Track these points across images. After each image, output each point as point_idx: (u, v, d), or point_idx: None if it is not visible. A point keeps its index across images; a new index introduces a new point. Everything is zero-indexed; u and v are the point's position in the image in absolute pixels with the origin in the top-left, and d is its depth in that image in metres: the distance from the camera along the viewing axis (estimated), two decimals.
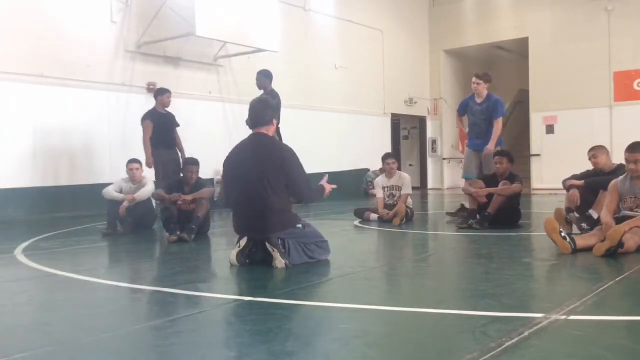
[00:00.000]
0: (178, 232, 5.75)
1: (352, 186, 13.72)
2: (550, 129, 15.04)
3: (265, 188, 4.10)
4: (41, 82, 8.90)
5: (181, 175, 6.63)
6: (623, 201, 4.80)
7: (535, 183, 14.99)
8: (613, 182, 4.92)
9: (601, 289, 3.19)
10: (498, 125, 7.30)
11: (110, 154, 9.55)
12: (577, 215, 5.62)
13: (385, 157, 7.71)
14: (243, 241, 4.21)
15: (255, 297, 3.21)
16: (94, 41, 9.58)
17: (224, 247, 5.45)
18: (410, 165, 17.60)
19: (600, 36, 14.09)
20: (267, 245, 4.09)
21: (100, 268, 4.66)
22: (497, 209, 6.20)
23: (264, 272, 3.95)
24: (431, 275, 4.07)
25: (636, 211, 4.74)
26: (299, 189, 4.26)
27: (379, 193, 7.63)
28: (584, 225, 5.39)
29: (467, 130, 7.79)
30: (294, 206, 4.48)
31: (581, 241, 4.41)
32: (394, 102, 15.96)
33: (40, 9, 8.95)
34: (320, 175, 4.83)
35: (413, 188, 9.09)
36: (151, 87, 10.07)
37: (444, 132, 17.14)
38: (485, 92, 7.40)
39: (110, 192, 6.73)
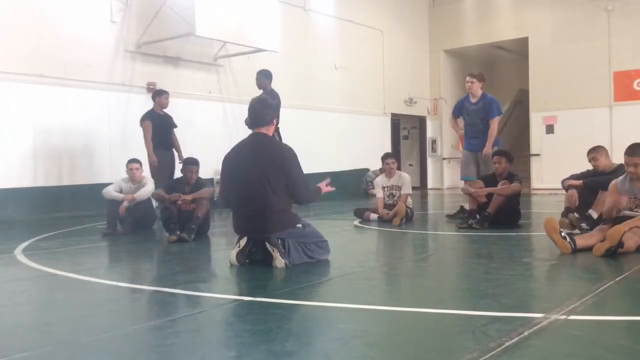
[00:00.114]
0: (178, 232, 5.75)
1: (352, 186, 13.72)
2: (550, 129, 15.04)
3: (265, 188, 4.10)
4: (41, 82, 8.90)
5: (175, 176, 6.64)
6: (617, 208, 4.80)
7: (535, 183, 14.99)
8: (613, 182, 4.92)
9: (601, 289, 3.19)
10: (494, 125, 7.30)
11: (110, 154, 9.55)
12: (576, 215, 5.63)
13: (385, 157, 7.71)
14: (243, 241, 4.21)
15: (255, 297, 3.21)
16: (94, 41, 9.58)
17: (224, 247, 5.45)
18: (410, 165, 17.60)
19: (600, 36, 14.09)
20: (267, 245, 4.09)
21: (100, 268, 4.66)
22: (497, 209, 6.20)
23: (264, 272, 3.95)
24: (431, 275, 4.07)
25: (636, 211, 4.74)
26: (298, 189, 4.25)
27: (379, 193, 7.63)
28: (583, 225, 5.39)
29: (462, 132, 7.78)
30: (294, 206, 4.48)
31: (581, 241, 4.41)
32: (394, 102, 15.96)
33: (40, 9, 8.95)
34: (321, 176, 4.82)
35: (413, 188, 9.09)
36: (151, 87, 10.08)
37: (444, 132, 17.14)
38: (479, 92, 7.41)
39: (110, 192, 6.74)
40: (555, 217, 4.89)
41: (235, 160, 4.32)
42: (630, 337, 2.43)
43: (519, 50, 16.28)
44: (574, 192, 5.71)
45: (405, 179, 7.53)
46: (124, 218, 6.63)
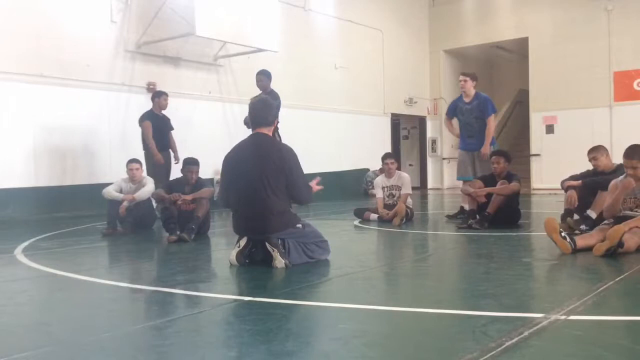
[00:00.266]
0: (178, 232, 5.75)
1: (352, 186, 13.73)
2: (550, 129, 15.03)
3: (266, 188, 4.10)
4: (41, 82, 8.90)
5: (171, 178, 6.65)
6: (623, 201, 4.80)
7: (535, 183, 14.99)
8: (613, 182, 4.93)
9: (601, 289, 3.19)
10: (491, 124, 7.32)
11: (110, 154, 9.55)
12: (575, 218, 5.63)
13: (384, 157, 7.71)
14: (243, 241, 4.21)
15: (255, 297, 3.21)
16: (94, 41, 9.57)
17: (224, 247, 5.45)
18: (410, 165, 17.60)
19: (600, 36, 14.09)
20: (267, 245, 4.09)
21: (100, 268, 4.66)
22: (496, 209, 6.20)
23: (264, 272, 3.95)
24: (431, 275, 4.07)
25: (636, 211, 4.74)
26: (298, 190, 4.25)
27: (378, 193, 7.63)
28: (583, 227, 5.39)
29: (457, 132, 7.79)
30: (293, 206, 4.48)
31: (581, 241, 4.41)
32: (394, 102, 15.96)
33: (40, 9, 8.94)
34: (322, 176, 4.82)
35: (413, 188, 9.10)
36: (151, 87, 10.09)
37: (444, 132, 17.10)
38: (473, 91, 7.44)
39: (110, 192, 6.74)
40: (555, 217, 4.89)
41: (235, 160, 4.32)
42: (630, 337, 2.43)
43: (519, 50, 16.28)
44: (572, 193, 5.71)
45: (405, 179, 7.53)
46: (124, 218, 6.63)
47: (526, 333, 2.34)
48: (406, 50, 16.41)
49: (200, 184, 6.33)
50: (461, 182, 7.64)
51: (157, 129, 8.39)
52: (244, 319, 2.79)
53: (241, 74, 11.54)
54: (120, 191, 6.80)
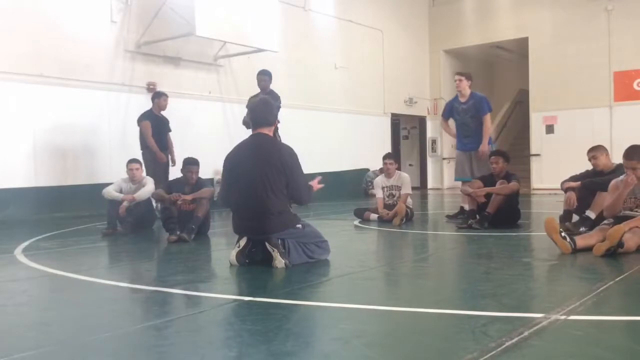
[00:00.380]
0: (178, 232, 5.74)
1: (352, 186, 13.73)
2: (550, 129, 15.03)
3: (266, 189, 4.10)
4: (41, 82, 8.90)
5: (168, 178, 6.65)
6: (623, 201, 4.80)
7: (535, 183, 14.98)
8: (613, 182, 4.93)
9: (601, 289, 3.19)
10: (487, 122, 7.33)
11: (110, 154, 9.55)
12: (574, 220, 5.63)
13: (384, 157, 7.72)
14: (243, 241, 4.21)
15: (255, 297, 3.21)
16: (94, 41, 9.57)
17: (224, 247, 5.45)
18: (410, 165, 17.60)
19: (600, 36, 14.09)
20: (267, 245, 4.10)
21: (100, 268, 4.66)
22: (496, 209, 6.20)
23: (264, 272, 3.95)
24: (431, 275, 4.07)
25: (636, 211, 4.74)
26: (298, 191, 4.25)
27: (378, 193, 7.63)
28: (582, 229, 5.38)
29: (454, 132, 7.80)
30: (293, 206, 4.48)
31: (581, 241, 4.41)
32: (394, 102, 15.96)
33: (40, 9, 8.94)
34: (322, 176, 4.82)
35: (413, 188, 9.10)
36: (151, 87, 10.10)
37: (444, 132, 17.13)
38: (468, 90, 7.46)
39: (110, 192, 6.74)
40: (555, 217, 4.90)
41: (236, 160, 4.33)
42: (630, 337, 2.43)
43: (519, 50, 16.27)
44: (572, 195, 5.71)
45: (405, 179, 7.53)
46: (124, 218, 6.64)
47: (526, 333, 2.34)
48: (406, 50, 16.41)
49: (200, 184, 6.32)
50: (460, 182, 7.66)
51: (156, 129, 8.41)
52: (244, 319, 2.79)
53: (241, 74, 11.55)
54: (120, 191, 6.80)
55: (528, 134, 15.63)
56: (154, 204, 7.07)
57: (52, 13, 9.09)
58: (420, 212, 9.03)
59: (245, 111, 8.55)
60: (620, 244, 4.15)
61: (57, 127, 9.16)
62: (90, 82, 9.46)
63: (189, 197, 6.09)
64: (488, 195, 6.29)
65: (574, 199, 5.67)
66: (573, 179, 5.93)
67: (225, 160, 4.41)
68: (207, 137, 10.77)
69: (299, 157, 4.32)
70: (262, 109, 4.38)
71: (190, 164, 6.35)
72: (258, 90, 8.43)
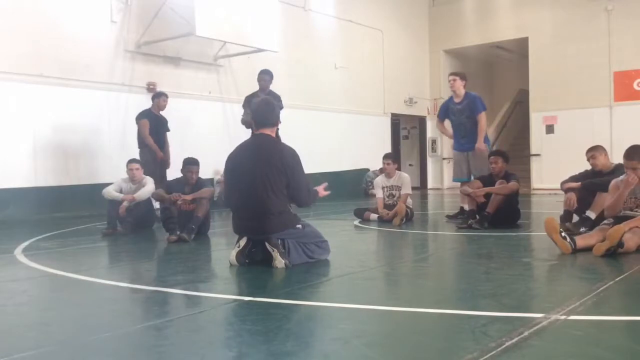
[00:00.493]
0: (178, 232, 5.74)
1: (352, 186, 13.73)
2: (550, 129, 15.04)
3: (266, 189, 4.10)
4: (41, 82, 8.90)
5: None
6: (623, 201, 4.80)
7: (535, 183, 14.99)
8: (613, 182, 4.93)
9: (601, 289, 3.19)
10: (482, 121, 7.35)
11: (110, 154, 9.55)
12: (574, 221, 5.63)
13: (383, 157, 7.73)
14: (243, 241, 4.21)
15: (255, 297, 3.21)
16: (94, 41, 9.58)
17: (224, 247, 5.45)
18: (410, 165, 17.60)
19: (600, 36, 14.09)
20: (267, 245, 4.10)
21: (100, 268, 4.66)
22: (496, 208, 6.20)
23: (264, 272, 3.95)
24: (431, 275, 4.07)
25: (636, 211, 4.74)
26: (299, 192, 4.25)
27: (378, 193, 7.64)
28: (582, 230, 5.38)
29: (451, 133, 7.80)
30: (293, 207, 4.48)
31: (581, 241, 4.41)
32: (394, 102, 15.96)
33: (40, 9, 8.95)
34: (322, 176, 4.83)
35: (413, 188, 9.10)
36: (151, 87, 10.10)
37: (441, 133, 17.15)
38: (462, 90, 7.47)
39: (110, 192, 6.74)
40: (555, 218, 4.90)
41: (237, 161, 4.34)
42: (630, 337, 2.43)
43: (519, 50, 16.28)
44: (572, 196, 5.71)
45: (405, 179, 7.53)
46: (124, 218, 6.64)
47: (526, 333, 2.33)
48: (406, 50, 16.41)
49: (200, 184, 6.32)
50: (459, 183, 7.66)
51: (154, 128, 8.42)
52: (244, 319, 2.79)
53: (241, 74, 11.55)
54: (120, 191, 6.80)
55: (528, 134, 15.63)
56: (154, 204, 7.06)
57: (52, 13, 9.09)
58: (420, 212, 9.03)
59: (242, 111, 8.55)
60: (620, 244, 4.15)
61: (57, 127, 9.16)
62: (90, 82, 9.46)
63: (189, 197, 6.08)
64: (487, 195, 6.29)
65: (574, 199, 5.67)
66: (572, 179, 5.93)
67: (226, 161, 4.43)
68: (207, 137, 10.77)
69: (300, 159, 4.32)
70: (265, 109, 4.39)
71: (190, 164, 6.34)
72: (256, 90, 8.41)
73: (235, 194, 4.28)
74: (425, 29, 17.15)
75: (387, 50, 15.56)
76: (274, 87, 8.46)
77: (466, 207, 6.70)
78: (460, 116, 7.46)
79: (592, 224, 5.30)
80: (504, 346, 2.17)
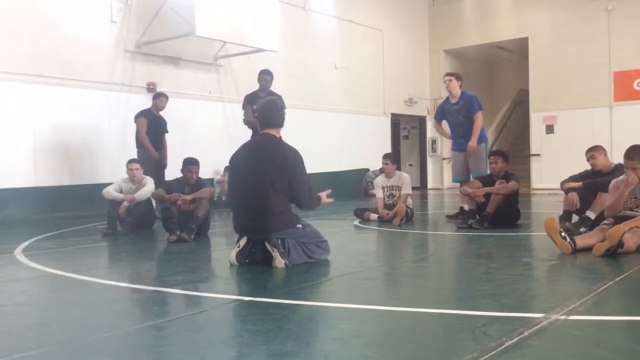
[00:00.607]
0: (178, 232, 5.74)
1: (352, 186, 13.72)
2: (550, 129, 15.03)
3: (267, 188, 4.10)
4: (41, 81, 8.90)
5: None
6: (624, 201, 4.80)
7: (535, 183, 14.98)
8: (613, 182, 4.93)
9: (601, 289, 3.19)
10: (478, 120, 7.35)
11: (110, 154, 9.55)
12: (573, 221, 5.63)
13: (382, 157, 7.73)
14: (243, 241, 4.21)
15: (255, 297, 3.21)
16: (94, 41, 9.58)
17: (224, 247, 5.45)
18: (410, 165, 17.60)
19: (600, 36, 14.09)
20: (267, 245, 4.10)
21: (100, 268, 4.66)
22: (496, 208, 6.20)
23: (264, 272, 3.95)
24: (431, 275, 4.07)
25: (636, 211, 4.74)
26: (300, 194, 4.25)
27: (378, 193, 7.64)
28: (582, 230, 5.38)
29: (449, 133, 7.81)
30: (294, 207, 4.48)
31: (581, 241, 4.41)
32: (394, 102, 15.96)
33: (40, 9, 8.95)
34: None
35: (413, 188, 9.09)
36: (151, 87, 10.11)
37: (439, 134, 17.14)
38: (458, 91, 7.48)
39: (110, 192, 6.74)
40: (555, 218, 4.89)
41: (241, 161, 4.35)
42: (630, 337, 2.43)
43: (519, 50, 16.27)
44: (574, 196, 5.70)
45: (405, 179, 7.54)
46: (124, 218, 6.63)
47: (526, 333, 2.34)
48: (406, 50, 16.41)
49: (200, 184, 6.32)
50: (459, 183, 7.67)
51: (153, 128, 8.43)
52: (244, 319, 2.79)
53: (241, 74, 11.55)
54: (121, 191, 6.80)
55: (528, 134, 15.63)
56: (154, 204, 7.06)
57: (52, 13, 9.09)
58: (420, 212, 9.03)
59: (242, 111, 8.54)
60: (620, 244, 4.15)
61: (57, 127, 9.16)
62: (90, 82, 9.46)
63: (189, 197, 6.08)
64: (487, 195, 6.29)
65: (576, 199, 5.66)
66: (572, 178, 5.93)
67: (230, 161, 4.45)
68: (207, 137, 10.77)
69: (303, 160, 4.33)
70: (271, 109, 4.40)
71: (190, 164, 6.34)
72: (256, 89, 8.39)
73: (237, 193, 4.29)
74: (425, 29, 17.15)
75: (387, 50, 15.56)
76: (274, 87, 8.45)
77: (466, 207, 6.70)
78: (457, 116, 7.47)
79: (592, 224, 5.30)
80: (504, 346, 2.17)
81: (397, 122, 17.10)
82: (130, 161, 6.98)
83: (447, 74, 7.64)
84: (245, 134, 7.95)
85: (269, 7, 10.79)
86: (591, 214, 5.48)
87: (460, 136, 7.51)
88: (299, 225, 4.30)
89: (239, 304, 3.13)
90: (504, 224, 6.23)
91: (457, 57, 17.36)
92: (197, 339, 2.42)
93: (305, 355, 2.20)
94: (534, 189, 14.67)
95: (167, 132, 8.84)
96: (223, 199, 10.40)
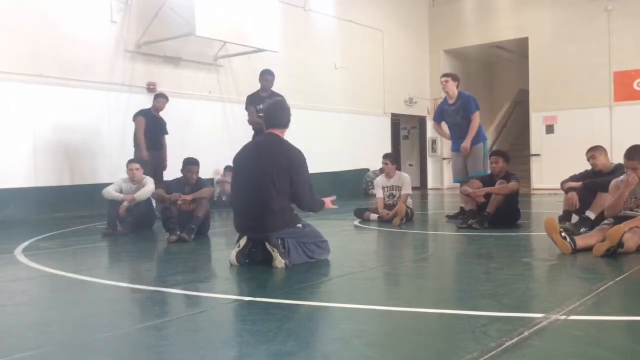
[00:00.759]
0: (178, 232, 5.74)
1: (352, 186, 13.73)
2: (550, 129, 15.04)
3: (269, 188, 4.10)
4: (41, 81, 8.90)
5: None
6: (624, 201, 4.80)
7: (535, 183, 14.99)
8: (614, 182, 4.93)
9: (601, 289, 3.19)
10: (475, 120, 7.35)
11: (110, 154, 9.55)
12: (573, 221, 5.63)
13: (382, 157, 7.73)
14: (243, 241, 4.22)
15: (255, 297, 3.21)
16: (94, 41, 9.58)
17: (224, 247, 5.45)
18: (410, 165, 17.60)
19: (600, 36, 14.09)
20: (267, 245, 4.10)
21: (100, 268, 4.66)
22: (496, 208, 6.20)
23: (264, 272, 3.95)
24: (431, 275, 4.07)
25: (636, 211, 4.74)
26: (301, 194, 4.25)
27: (379, 193, 7.64)
28: (582, 230, 5.38)
29: (448, 134, 7.81)
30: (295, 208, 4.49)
31: (581, 241, 4.41)
32: (394, 102, 15.97)
33: (40, 9, 8.95)
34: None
35: (413, 188, 9.09)
36: (151, 87, 10.11)
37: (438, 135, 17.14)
38: (455, 91, 7.48)
39: (110, 192, 6.74)
40: (555, 218, 4.89)
41: (242, 160, 4.37)
42: (630, 337, 2.43)
43: (519, 50, 16.28)
44: (573, 195, 5.70)
45: (405, 179, 7.54)
46: (124, 218, 6.63)
47: (526, 333, 2.33)
48: (406, 50, 16.41)
49: (200, 184, 6.32)
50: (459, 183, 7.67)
51: (151, 128, 8.43)
52: (244, 319, 2.79)
53: (241, 74, 11.55)
54: (121, 191, 6.80)
55: (528, 134, 15.63)
56: (154, 204, 7.06)
57: (52, 13, 9.09)
58: (420, 212, 9.03)
59: (242, 111, 8.54)
60: (620, 244, 4.15)
61: (57, 127, 9.16)
62: (90, 82, 9.46)
63: (189, 197, 6.08)
64: (488, 195, 6.29)
65: (576, 199, 5.66)
66: (572, 178, 5.93)
67: (233, 162, 4.47)
68: (207, 137, 10.78)
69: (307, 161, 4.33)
70: (277, 109, 4.42)
71: (190, 164, 6.34)
72: (257, 89, 8.39)
73: (240, 193, 4.30)
74: (425, 29, 17.15)
75: (387, 50, 15.56)
76: (274, 87, 8.45)
77: (466, 207, 6.70)
78: (455, 117, 7.47)
79: (592, 224, 5.29)
80: (504, 346, 2.17)
81: (397, 122, 17.10)
82: (130, 161, 6.99)
83: (444, 75, 7.64)
84: (245, 134, 7.95)
85: (269, 7, 10.79)
86: (591, 214, 5.48)
87: (459, 137, 7.51)
88: (299, 225, 4.30)
89: (239, 304, 3.13)
90: (504, 224, 6.23)
91: (457, 57, 17.36)
92: (197, 339, 2.42)
93: (305, 355, 2.20)
94: (534, 189, 14.67)
95: (166, 133, 8.83)
96: (223, 199, 10.41)
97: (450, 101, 7.50)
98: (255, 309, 2.98)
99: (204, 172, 7.15)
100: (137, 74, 10.15)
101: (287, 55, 12.18)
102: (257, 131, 7.63)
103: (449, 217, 7.63)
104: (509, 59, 18.16)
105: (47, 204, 8.85)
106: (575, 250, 4.33)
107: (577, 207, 5.68)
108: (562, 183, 5.98)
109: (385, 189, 7.57)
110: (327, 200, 4.56)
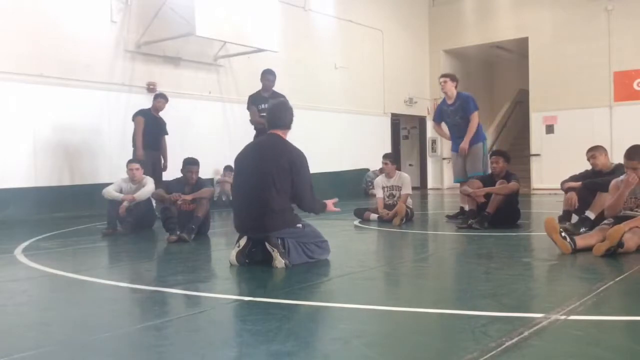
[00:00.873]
0: (178, 232, 5.74)
1: (352, 186, 13.73)
2: (550, 129, 15.04)
3: (270, 188, 4.10)
4: (41, 82, 8.90)
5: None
6: (624, 201, 4.80)
7: (535, 183, 14.99)
8: (614, 182, 4.93)
9: (601, 289, 3.19)
10: (474, 120, 7.35)
11: (110, 154, 9.55)
12: (573, 221, 5.63)
13: (382, 157, 7.73)
14: (243, 241, 4.22)
15: (255, 297, 3.21)
16: (94, 41, 9.58)
17: (224, 247, 5.45)
18: (410, 165, 17.60)
19: (600, 36, 14.09)
20: (267, 245, 4.10)
21: (100, 268, 4.66)
22: (496, 208, 6.20)
23: (264, 272, 3.95)
24: (431, 275, 4.07)
25: (636, 211, 4.74)
26: (302, 195, 4.25)
27: (379, 193, 7.64)
28: (582, 230, 5.38)
29: (448, 135, 7.82)
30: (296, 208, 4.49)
31: (581, 241, 4.41)
32: (394, 102, 15.97)
33: (40, 9, 8.95)
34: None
35: (413, 188, 9.09)
36: (151, 87, 10.11)
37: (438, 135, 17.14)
38: (454, 92, 7.48)
39: (110, 192, 6.74)
40: (555, 218, 4.89)
41: (243, 160, 4.38)
42: (630, 337, 2.43)
43: (519, 50, 16.28)
44: (573, 195, 5.70)
45: (405, 179, 7.54)
46: (124, 218, 6.63)
47: (526, 333, 2.33)
48: (406, 50, 16.41)
49: (200, 184, 6.32)
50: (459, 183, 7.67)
51: (151, 128, 8.43)
52: (244, 319, 2.79)
53: (241, 74, 11.55)
54: (121, 191, 6.80)
55: (528, 134, 15.64)
56: (153, 204, 7.06)
57: (52, 13, 9.09)
58: (420, 212, 9.03)
59: (243, 111, 8.54)
60: (620, 244, 4.15)
61: (57, 127, 9.16)
62: (90, 82, 9.47)
63: (189, 197, 6.09)
64: (488, 195, 6.29)
65: (575, 199, 5.67)
66: (572, 178, 5.94)
67: (234, 162, 4.48)
68: (207, 137, 10.78)
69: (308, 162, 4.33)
70: (280, 110, 4.43)
71: (190, 164, 6.34)
72: (258, 89, 8.39)
73: (241, 193, 4.30)
74: (425, 29, 17.15)
75: (387, 50, 15.56)
76: (275, 87, 8.45)
77: (466, 207, 6.70)
78: (454, 117, 7.47)
79: (592, 224, 5.29)
80: (504, 346, 2.17)
81: (397, 122, 17.10)
82: (130, 161, 6.99)
83: (442, 75, 7.64)
84: (245, 134, 7.95)
85: (269, 7, 10.79)
86: (591, 214, 5.48)
87: (458, 137, 7.52)
88: (299, 225, 4.30)
89: (239, 304, 3.13)
90: (504, 224, 6.23)
91: (457, 57, 17.36)
92: (197, 339, 2.42)
93: (305, 355, 2.20)
94: (534, 189, 14.68)
95: (166, 133, 8.83)
96: (223, 199, 10.41)
97: (449, 101, 7.50)
98: (255, 309, 2.98)
99: (204, 172, 7.15)
100: (137, 74, 10.15)
101: (287, 55, 12.18)
102: (259, 131, 7.63)
103: (449, 217, 7.63)
104: (509, 59, 18.16)
105: (47, 204, 8.85)
106: (575, 250, 4.33)
107: (576, 207, 5.68)
108: (562, 183, 5.99)
109: (385, 189, 7.57)
110: (330, 203, 4.56)
